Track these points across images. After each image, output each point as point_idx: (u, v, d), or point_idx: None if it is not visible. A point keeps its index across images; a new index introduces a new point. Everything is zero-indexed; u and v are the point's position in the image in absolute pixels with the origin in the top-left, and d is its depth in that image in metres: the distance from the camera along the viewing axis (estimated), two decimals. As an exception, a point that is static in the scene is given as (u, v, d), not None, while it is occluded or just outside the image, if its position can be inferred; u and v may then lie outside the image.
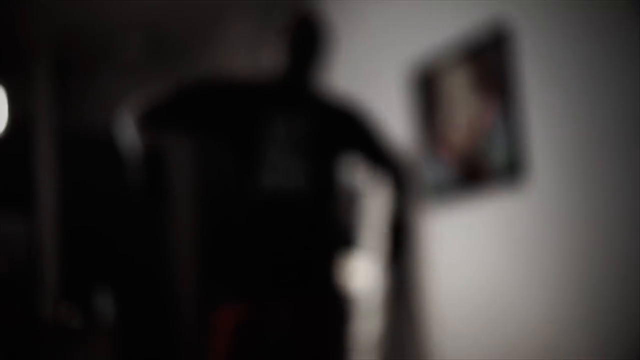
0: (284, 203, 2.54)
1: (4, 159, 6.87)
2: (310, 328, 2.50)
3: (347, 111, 2.83)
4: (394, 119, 4.59)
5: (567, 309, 3.49)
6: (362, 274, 4.32)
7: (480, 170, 3.93)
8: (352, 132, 2.82)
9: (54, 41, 6.88)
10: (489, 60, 3.86)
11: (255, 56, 6.08)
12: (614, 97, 3.25)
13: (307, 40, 2.74)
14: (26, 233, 4.58)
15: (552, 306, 3.57)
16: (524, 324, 3.72)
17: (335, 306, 2.59)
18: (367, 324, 4.23)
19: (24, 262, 4.41)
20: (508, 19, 3.76)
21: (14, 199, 6.59)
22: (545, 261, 3.61)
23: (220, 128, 2.65)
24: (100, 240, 7.48)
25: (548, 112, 3.57)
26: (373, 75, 4.86)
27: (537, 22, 3.61)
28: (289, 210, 2.54)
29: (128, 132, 2.58)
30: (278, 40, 2.77)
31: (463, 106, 4.04)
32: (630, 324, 3.17)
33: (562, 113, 3.49)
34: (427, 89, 4.30)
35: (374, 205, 4.22)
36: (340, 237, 2.73)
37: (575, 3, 3.42)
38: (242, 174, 2.59)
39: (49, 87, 7.04)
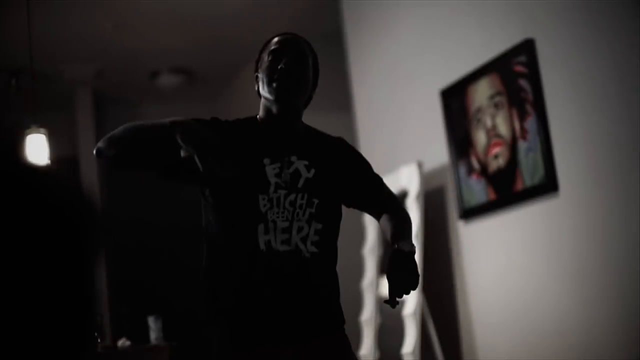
0: (285, 266, 2.23)
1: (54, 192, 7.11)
2: None
3: (339, 143, 2.49)
4: (429, 136, 4.73)
5: (596, 311, 3.57)
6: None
7: (512, 183, 4.05)
8: (349, 163, 2.46)
9: (95, 78, 7.13)
10: (518, 77, 3.98)
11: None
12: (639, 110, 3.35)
13: (287, 63, 2.31)
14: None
15: (584, 311, 3.65)
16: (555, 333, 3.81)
17: (340, 345, 2.35)
18: (404, 341, 4.32)
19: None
20: (536, 38, 3.87)
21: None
22: (580, 272, 3.69)
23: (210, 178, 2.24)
24: (149, 265, 7.71)
25: (576, 125, 3.67)
26: (406, 98, 4.98)
27: (564, 41, 3.73)
28: (292, 268, 2.24)
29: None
30: (257, 68, 2.40)
31: (494, 122, 4.16)
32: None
33: (590, 126, 3.59)
34: (459, 107, 4.44)
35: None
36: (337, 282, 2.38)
37: (600, 21, 3.53)
38: (228, 232, 2.25)
39: (91, 121, 7.27)
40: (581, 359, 3.66)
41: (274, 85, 2.29)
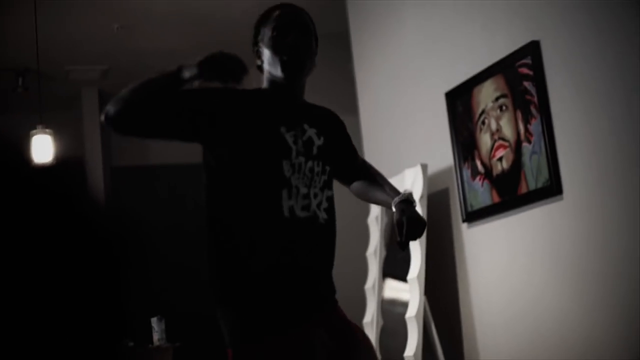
0: (305, 232, 2.28)
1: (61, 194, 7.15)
2: (350, 336, 2.35)
3: (330, 113, 2.56)
4: (434, 139, 4.73)
5: (598, 312, 3.56)
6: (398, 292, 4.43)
7: (516, 186, 4.04)
8: (340, 133, 2.55)
9: (100, 79, 7.15)
10: (523, 80, 3.97)
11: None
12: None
13: (295, 38, 2.33)
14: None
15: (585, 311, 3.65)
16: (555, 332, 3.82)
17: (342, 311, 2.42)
18: (406, 344, 4.32)
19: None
20: (541, 40, 3.86)
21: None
22: (583, 275, 3.68)
23: (229, 141, 2.26)
24: (153, 267, 7.74)
25: (581, 128, 3.67)
26: (411, 100, 4.98)
27: (569, 43, 3.72)
28: (310, 234, 2.29)
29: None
30: (257, 41, 2.42)
31: (498, 124, 4.16)
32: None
33: (595, 129, 3.59)
34: (464, 109, 4.43)
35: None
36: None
37: (604, 23, 3.52)
38: (247, 199, 2.25)
39: (97, 122, 7.30)
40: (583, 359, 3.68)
41: (285, 61, 2.31)
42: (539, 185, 3.88)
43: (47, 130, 5.70)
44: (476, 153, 4.31)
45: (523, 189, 3.99)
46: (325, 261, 2.35)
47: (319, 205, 2.31)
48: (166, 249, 7.84)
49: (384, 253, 4.84)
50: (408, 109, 5.00)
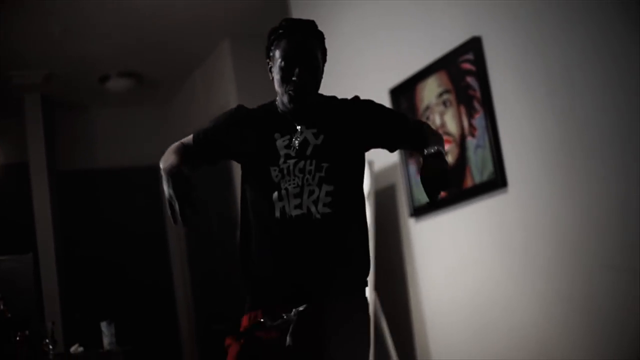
0: (298, 229, 2.41)
1: (5, 199, 7.07)
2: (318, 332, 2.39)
3: (351, 102, 2.60)
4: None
5: (549, 306, 3.62)
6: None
7: (462, 180, 4.09)
8: (366, 116, 2.58)
9: (43, 83, 7.06)
10: (466, 75, 4.02)
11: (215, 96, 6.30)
12: (585, 105, 3.41)
13: (300, 74, 2.44)
14: (32, 272, 4.70)
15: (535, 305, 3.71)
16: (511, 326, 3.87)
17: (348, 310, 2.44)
18: None
19: (32, 301, 4.57)
20: (482, 36, 3.91)
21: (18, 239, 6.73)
22: (530, 266, 3.75)
23: (235, 157, 2.58)
24: (101, 271, 7.68)
25: (524, 121, 3.73)
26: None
27: (510, 38, 3.78)
28: (304, 230, 2.40)
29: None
30: (269, 56, 2.52)
31: (442, 119, 4.21)
32: (616, 319, 3.31)
33: (537, 122, 3.65)
34: (409, 105, 4.47)
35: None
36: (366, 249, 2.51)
37: (544, 17, 3.58)
38: (253, 203, 2.49)
39: (40, 127, 7.22)
40: (533, 351, 3.72)
41: (291, 95, 2.45)
42: (484, 178, 3.93)
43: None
44: (422, 149, 4.34)
45: (469, 183, 4.04)
46: (323, 253, 2.42)
47: (315, 201, 2.42)
48: (114, 254, 7.78)
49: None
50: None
